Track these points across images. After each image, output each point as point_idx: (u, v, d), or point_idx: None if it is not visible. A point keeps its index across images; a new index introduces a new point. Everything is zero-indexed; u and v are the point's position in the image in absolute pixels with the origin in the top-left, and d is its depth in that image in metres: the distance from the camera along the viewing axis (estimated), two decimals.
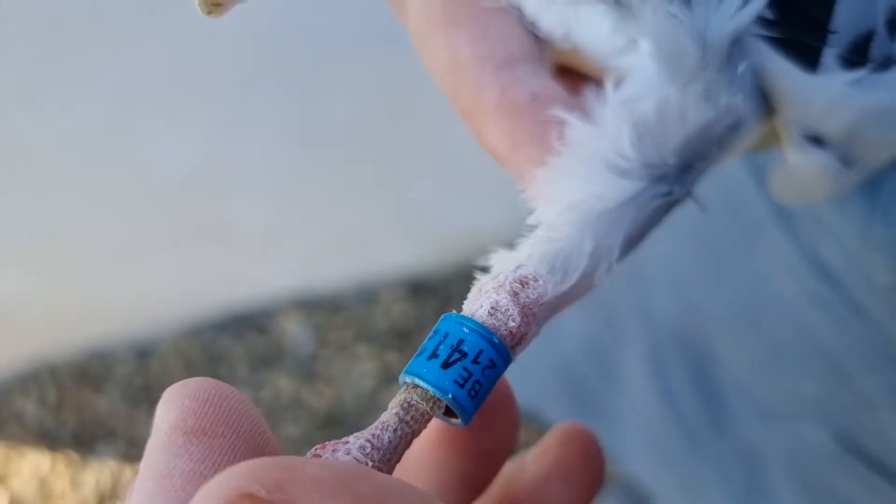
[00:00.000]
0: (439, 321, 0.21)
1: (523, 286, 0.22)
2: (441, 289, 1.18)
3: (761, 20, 0.22)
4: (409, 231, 1.19)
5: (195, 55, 0.95)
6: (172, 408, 0.18)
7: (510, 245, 0.23)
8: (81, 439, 1.14)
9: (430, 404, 0.20)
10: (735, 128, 0.23)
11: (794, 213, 0.39)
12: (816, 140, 0.24)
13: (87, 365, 1.17)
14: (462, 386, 0.20)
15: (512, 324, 0.21)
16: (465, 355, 0.20)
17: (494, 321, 0.21)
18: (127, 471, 1.11)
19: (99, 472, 1.12)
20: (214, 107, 1.00)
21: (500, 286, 0.22)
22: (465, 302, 0.22)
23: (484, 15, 0.24)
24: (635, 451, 0.65)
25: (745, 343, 0.48)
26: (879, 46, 0.23)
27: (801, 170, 0.25)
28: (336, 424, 1.12)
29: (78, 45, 0.91)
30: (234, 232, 1.14)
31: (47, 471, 1.12)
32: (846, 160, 0.25)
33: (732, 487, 0.54)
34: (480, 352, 0.21)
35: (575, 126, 0.23)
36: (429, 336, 0.21)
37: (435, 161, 1.13)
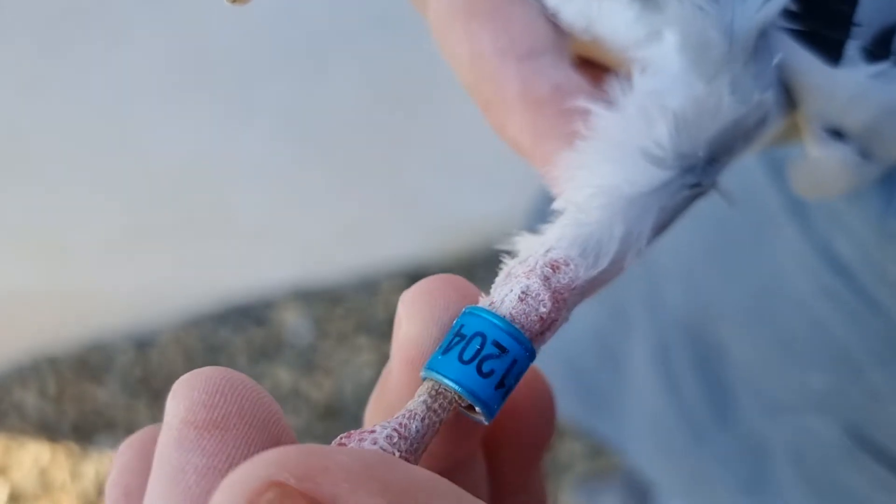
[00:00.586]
0: (472, 317, 0.20)
1: (554, 270, 0.21)
2: None
3: (785, 13, 0.22)
4: (409, 222, 1.19)
5: (195, 46, 0.95)
6: (182, 401, 0.17)
7: (519, 232, 0.23)
8: (81, 430, 1.14)
9: (458, 392, 0.20)
10: (762, 122, 0.23)
11: (807, 206, 0.39)
12: (837, 134, 0.24)
13: (87, 356, 1.18)
14: (503, 399, 0.20)
15: (543, 309, 0.21)
16: (509, 370, 0.20)
17: (525, 307, 0.21)
18: None
19: (99, 463, 1.12)
20: (214, 98, 1.00)
21: (530, 270, 0.21)
22: (494, 286, 0.21)
23: (505, 6, 0.24)
24: (640, 442, 0.65)
25: (755, 336, 0.48)
26: None
27: (821, 164, 0.25)
28: (336, 415, 1.13)
29: (78, 36, 0.91)
30: (234, 223, 1.14)
31: (47, 462, 1.12)
32: (866, 154, 0.25)
33: (737, 480, 0.54)
34: (514, 362, 0.20)
35: (601, 114, 0.22)
36: (459, 330, 0.20)
37: (434, 151, 1.13)
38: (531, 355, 0.21)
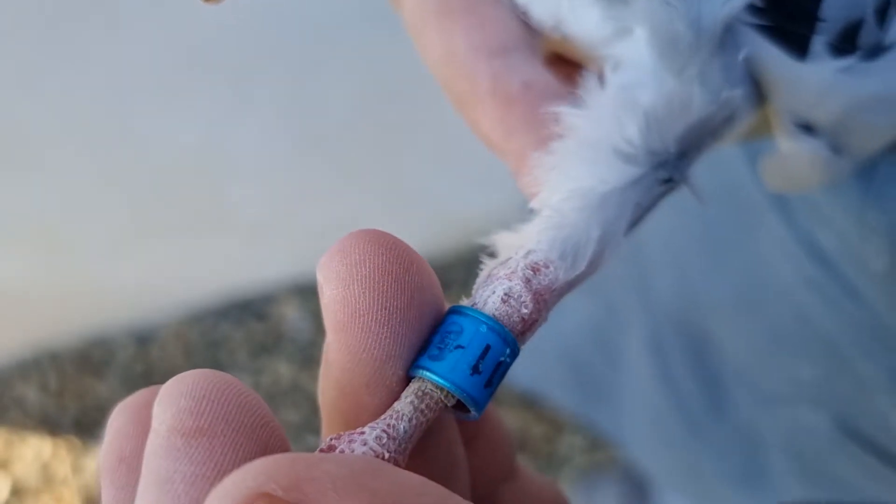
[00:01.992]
0: (462, 317, 0.21)
1: (535, 273, 0.22)
2: (439, 274, 1.17)
3: (751, 8, 0.22)
4: (408, 216, 1.19)
5: (193, 41, 0.95)
6: (168, 408, 0.17)
7: (509, 228, 0.23)
8: (83, 425, 1.14)
9: (444, 393, 0.20)
10: (730, 119, 0.23)
11: (790, 199, 0.39)
12: (807, 128, 0.25)
13: (88, 351, 1.18)
14: (490, 397, 0.21)
15: (525, 310, 0.21)
16: (498, 370, 0.21)
17: (508, 308, 0.21)
18: None
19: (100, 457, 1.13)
20: (213, 93, 1.01)
21: (512, 272, 0.22)
22: (475, 287, 0.22)
23: (477, 5, 0.25)
24: (637, 434, 0.65)
25: (744, 328, 0.49)
26: (868, 34, 0.23)
27: (793, 158, 0.26)
28: None
29: (76, 30, 0.91)
30: (234, 218, 1.14)
31: (49, 456, 1.13)
32: (837, 148, 0.25)
33: (732, 471, 0.54)
34: (500, 363, 0.21)
35: (572, 112, 0.23)
36: (450, 330, 0.21)
37: (433, 146, 1.13)
38: (516, 355, 0.21)
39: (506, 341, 0.21)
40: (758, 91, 0.24)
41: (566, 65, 0.26)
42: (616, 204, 0.23)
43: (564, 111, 0.23)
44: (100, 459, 0.20)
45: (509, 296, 0.21)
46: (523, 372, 0.81)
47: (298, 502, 0.15)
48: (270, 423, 0.18)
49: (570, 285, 0.22)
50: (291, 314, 1.20)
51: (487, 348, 0.20)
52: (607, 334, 0.63)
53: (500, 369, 0.21)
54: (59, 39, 0.91)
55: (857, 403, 0.43)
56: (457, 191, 1.16)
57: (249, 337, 1.19)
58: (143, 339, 1.19)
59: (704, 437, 0.55)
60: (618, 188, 0.22)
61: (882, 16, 0.23)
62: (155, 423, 0.18)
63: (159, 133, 1.02)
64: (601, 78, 0.23)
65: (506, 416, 1.12)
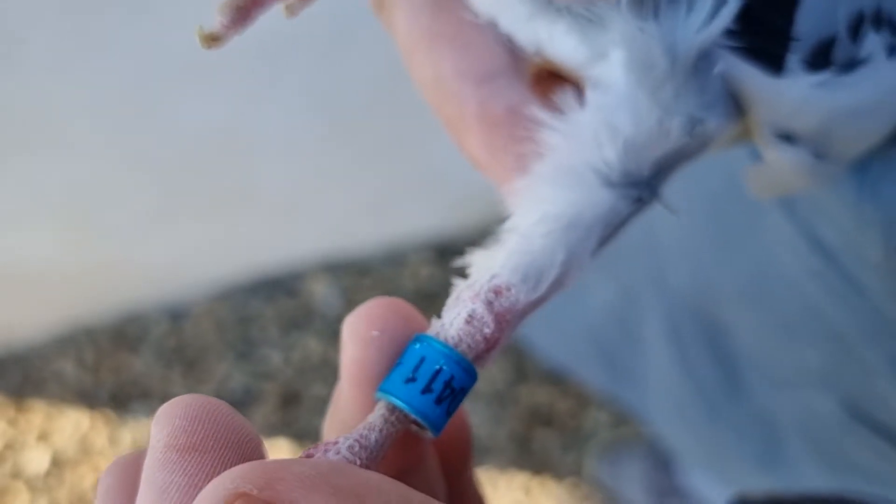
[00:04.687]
0: (430, 349, 0.22)
1: (497, 295, 0.23)
2: (462, 253, 1.18)
3: (726, 31, 0.23)
4: (436, 194, 1.20)
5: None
6: (164, 427, 0.20)
7: (485, 244, 0.24)
8: (118, 399, 1.17)
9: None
10: (703, 146, 0.24)
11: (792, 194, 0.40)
12: (788, 137, 0.25)
13: (123, 327, 1.20)
14: (448, 419, 0.22)
15: (487, 330, 0.23)
16: (451, 390, 0.22)
17: (471, 328, 0.23)
18: None
19: (135, 429, 1.15)
20: (241, 74, 1.01)
21: (475, 295, 0.23)
22: (444, 308, 0.24)
23: (465, 31, 0.26)
24: (661, 414, 0.66)
25: (754, 316, 0.49)
26: (842, 50, 0.23)
27: (776, 165, 0.26)
28: None
29: (105, 13, 0.92)
30: (264, 196, 1.15)
31: (87, 428, 1.15)
32: (819, 154, 0.26)
33: (751, 451, 0.55)
34: (464, 390, 0.22)
35: (553, 133, 0.24)
36: (405, 354, 0.23)
37: None
38: (474, 379, 0.23)
39: (463, 368, 0.22)
40: (737, 104, 0.25)
41: (557, 79, 0.27)
42: (585, 226, 0.24)
43: (544, 131, 0.24)
44: None
45: (472, 317, 0.23)
46: (551, 350, 0.82)
47: (271, 499, 0.17)
48: (254, 439, 0.20)
49: (534, 305, 0.24)
50: (321, 290, 1.21)
51: (445, 375, 0.22)
52: (627, 319, 0.64)
53: (459, 394, 0.22)
54: (88, 21, 0.92)
55: (863, 388, 0.44)
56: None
57: (280, 313, 1.20)
58: (177, 315, 1.20)
59: (724, 420, 0.56)
60: (588, 210, 0.24)
61: (855, 32, 0.23)
62: (153, 441, 0.20)
63: (189, 112, 1.02)
64: (580, 97, 0.24)
65: (532, 392, 1.13)
